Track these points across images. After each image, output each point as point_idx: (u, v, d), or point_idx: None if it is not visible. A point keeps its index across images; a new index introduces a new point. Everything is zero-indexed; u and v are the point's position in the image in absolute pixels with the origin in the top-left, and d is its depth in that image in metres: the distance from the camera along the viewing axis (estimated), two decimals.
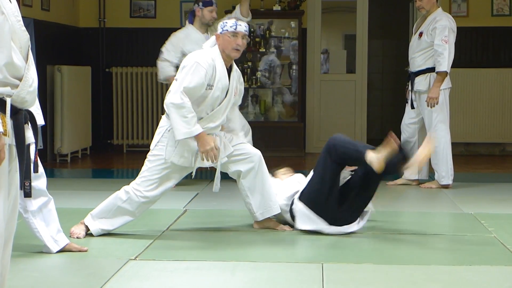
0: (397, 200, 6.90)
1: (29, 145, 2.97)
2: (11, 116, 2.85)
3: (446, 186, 7.42)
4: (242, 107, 10.35)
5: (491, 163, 9.71)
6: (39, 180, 4.56)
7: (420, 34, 7.42)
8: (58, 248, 4.67)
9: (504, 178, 8.55)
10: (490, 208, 6.42)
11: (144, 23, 10.64)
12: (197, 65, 5.12)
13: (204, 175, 8.05)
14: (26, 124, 2.96)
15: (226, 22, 5.27)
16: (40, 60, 8.61)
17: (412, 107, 7.52)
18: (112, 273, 4.28)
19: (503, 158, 10.28)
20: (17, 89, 2.85)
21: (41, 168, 4.56)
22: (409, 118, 7.61)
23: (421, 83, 7.40)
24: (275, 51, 10.56)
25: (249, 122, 9.80)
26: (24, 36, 2.91)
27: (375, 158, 4.98)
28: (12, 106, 2.85)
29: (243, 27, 5.26)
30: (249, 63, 10.31)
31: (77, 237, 5.08)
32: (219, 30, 5.28)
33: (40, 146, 8.21)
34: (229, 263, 4.55)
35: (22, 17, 2.98)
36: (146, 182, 5.19)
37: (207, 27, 7.44)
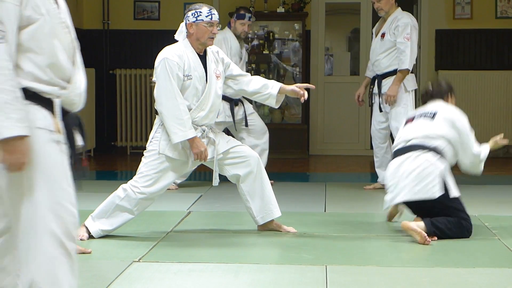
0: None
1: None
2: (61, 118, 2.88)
3: None
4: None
5: (495, 165, 9.68)
6: None
7: (383, 35, 7.25)
8: None
9: (508, 180, 8.54)
10: (494, 210, 6.41)
11: (148, 25, 10.65)
12: (167, 61, 5.10)
13: (208, 177, 8.05)
14: (75, 127, 2.98)
15: (200, 12, 5.19)
16: None
17: (380, 110, 7.32)
18: (116, 275, 4.28)
19: (507, 160, 10.26)
20: (66, 91, 2.88)
21: None
22: (378, 122, 7.40)
23: (389, 85, 7.17)
24: (279, 53, 10.56)
25: None
26: (67, 38, 2.92)
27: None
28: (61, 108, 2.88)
29: (217, 15, 5.25)
30: (253, 65, 10.31)
31: (80, 239, 5.08)
32: (192, 19, 5.19)
33: None
34: (233, 265, 4.55)
35: None
36: (143, 178, 5.19)
37: (240, 39, 7.53)
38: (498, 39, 10.51)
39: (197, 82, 5.18)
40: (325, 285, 4.14)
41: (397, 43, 7.11)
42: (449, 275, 4.39)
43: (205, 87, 5.21)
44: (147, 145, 5.29)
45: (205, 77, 5.22)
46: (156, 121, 5.28)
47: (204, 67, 5.23)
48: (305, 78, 10.47)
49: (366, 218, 6.11)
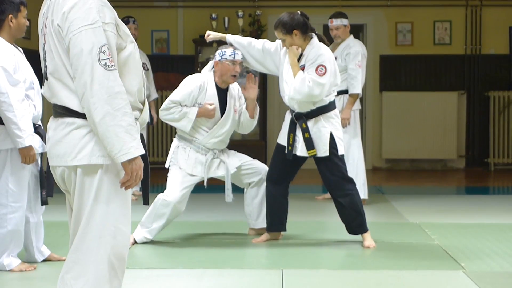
0: None
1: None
2: None
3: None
4: None
5: (434, 177, 9.84)
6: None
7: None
8: (42, 258, 4.66)
9: (446, 191, 8.69)
10: (433, 218, 6.50)
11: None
12: (186, 83, 5.36)
13: None
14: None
15: (225, 51, 5.38)
16: None
17: None
18: None
19: (445, 172, 10.42)
20: (142, 113, 2.83)
21: None
22: None
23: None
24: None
25: None
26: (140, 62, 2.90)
27: None
28: None
29: (240, 55, 5.42)
30: None
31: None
32: (218, 58, 5.38)
33: None
34: (197, 270, 4.57)
35: None
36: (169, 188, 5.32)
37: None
38: (436, 63, 10.68)
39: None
40: (281, 287, 4.18)
41: (348, 69, 7.15)
42: (393, 277, 4.47)
43: (219, 118, 5.39)
44: (166, 165, 5.44)
45: (219, 109, 5.39)
46: (174, 143, 5.46)
47: (223, 101, 5.41)
48: (263, 99, 10.53)
49: (317, 225, 6.17)
